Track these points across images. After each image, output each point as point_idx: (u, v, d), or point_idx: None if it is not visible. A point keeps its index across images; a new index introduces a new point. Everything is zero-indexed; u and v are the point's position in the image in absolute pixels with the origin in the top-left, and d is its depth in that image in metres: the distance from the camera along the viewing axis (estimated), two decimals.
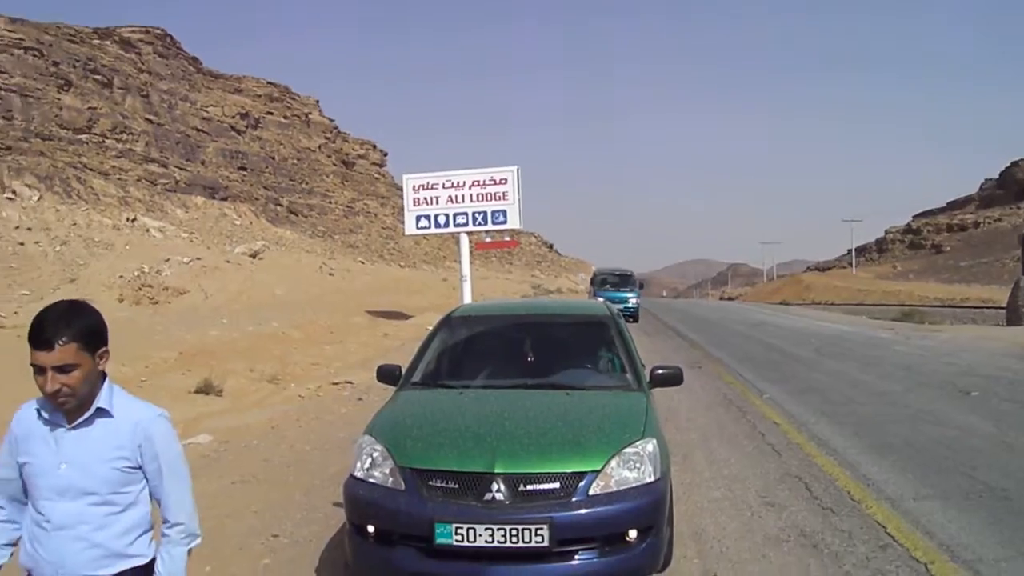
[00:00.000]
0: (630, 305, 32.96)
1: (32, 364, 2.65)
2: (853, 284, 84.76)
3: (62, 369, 2.62)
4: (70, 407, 2.70)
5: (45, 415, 2.76)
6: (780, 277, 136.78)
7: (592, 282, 37.68)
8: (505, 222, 28.39)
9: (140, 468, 2.80)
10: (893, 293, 67.91)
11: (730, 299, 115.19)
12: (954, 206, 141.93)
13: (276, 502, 7.22)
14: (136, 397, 2.89)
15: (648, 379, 6.04)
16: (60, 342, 2.60)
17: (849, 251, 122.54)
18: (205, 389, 13.86)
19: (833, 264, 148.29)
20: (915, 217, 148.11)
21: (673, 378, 6.12)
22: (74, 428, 2.73)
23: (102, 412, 2.75)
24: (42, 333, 2.62)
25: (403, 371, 6.31)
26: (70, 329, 2.62)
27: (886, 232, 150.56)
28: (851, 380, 14.64)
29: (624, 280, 35.02)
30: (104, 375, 2.79)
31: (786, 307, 57.29)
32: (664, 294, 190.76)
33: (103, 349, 2.74)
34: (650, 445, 4.81)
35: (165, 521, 2.86)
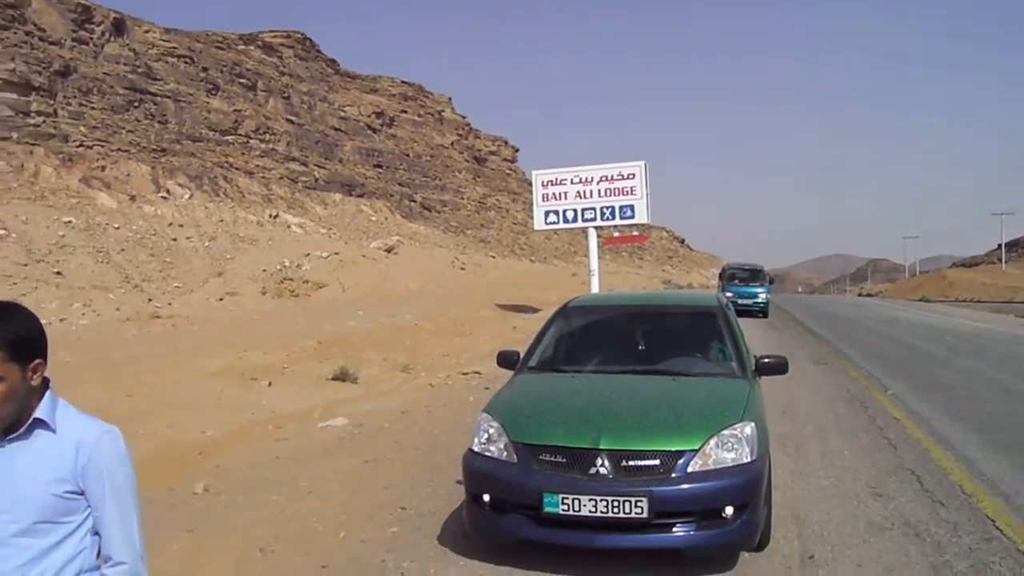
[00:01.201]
0: (759, 300, 32.40)
1: None
2: (1002, 281, 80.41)
3: None
4: None
5: None
6: (923, 273, 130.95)
7: (721, 277, 37.07)
8: (633, 217, 28.46)
9: (83, 494, 2.36)
10: None
11: (868, 295, 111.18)
12: None
13: (404, 479, 7.75)
14: (84, 414, 2.46)
15: (754, 367, 6.29)
16: None
17: (999, 246, 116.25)
18: (341, 376, 14.68)
19: (981, 260, 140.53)
20: None
21: (778, 367, 6.36)
22: (9, 443, 2.32)
23: (41, 424, 2.34)
24: None
25: (521, 357, 6.77)
26: None
27: None
28: (983, 378, 14.27)
29: (754, 275, 34.34)
30: (46, 387, 2.39)
31: (926, 304, 55.18)
32: (799, 290, 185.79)
33: (37, 361, 2.32)
34: (748, 428, 5.10)
35: (106, 559, 2.39)
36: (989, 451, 8.53)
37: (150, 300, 31.03)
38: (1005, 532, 5.98)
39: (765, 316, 31.46)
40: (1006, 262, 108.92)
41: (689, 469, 4.84)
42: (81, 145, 50.86)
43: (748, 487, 4.90)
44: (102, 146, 52.13)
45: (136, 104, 59.00)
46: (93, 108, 54.57)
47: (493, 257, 67.24)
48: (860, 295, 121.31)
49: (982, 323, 29.69)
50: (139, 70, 60.25)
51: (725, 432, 5.03)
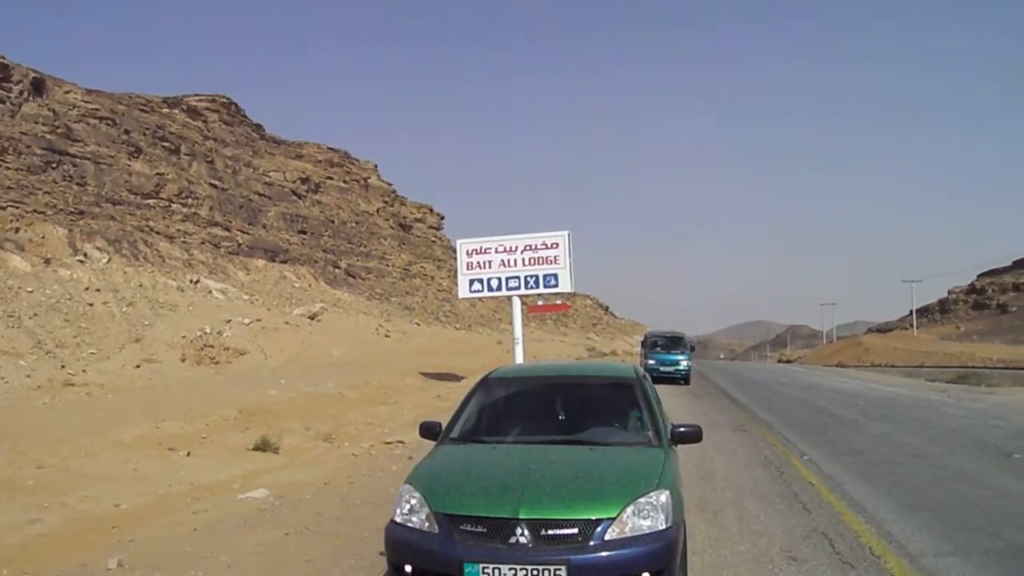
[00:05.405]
0: (681, 368, 32.96)
1: None
2: (914, 346, 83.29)
3: None
4: None
5: None
6: (840, 339, 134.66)
7: (643, 344, 37.60)
8: (557, 285, 28.77)
9: None
10: (955, 355, 66.69)
11: (788, 361, 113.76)
12: (1020, 264, 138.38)
13: (327, 551, 7.70)
14: None
15: (669, 436, 6.48)
16: None
17: (910, 312, 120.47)
18: (263, 446, 14.47)
19: (895, 325, 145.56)
20: (980, 276, 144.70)
21: (692, 436, 6.56)
22: None
23: None
24: None
25: (443, 427, 6.84)
26: None
27: (949, 292, 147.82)
28: (893, 442, 14.77)
29: (675, 342, 34.97)
30: None
31: (842, 369, 56.73)
32: (721, 356, 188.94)
33: None
34: (663, 496, 5.25)
35: None
36: (898, 513, 8.86)
37: (63, 367, 30.10)
38: None
39: (687, 383, 31.99)
40: (918, 327, 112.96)
41: (606, 537, 4.96)
42: None
43: (664, 553, 5.03)
44: (16, 207, 50.89)
45: (54, 165, 57.92)
46: (8, 168, 53.38)
47: (418, 324, 67.09)
48: (780, 361, 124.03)
49: (894, 388, 30.65)
50: (58, 131, 59.24)
51: (641, 500, 5.17)
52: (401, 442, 15.29)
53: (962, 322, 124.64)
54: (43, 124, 58.41)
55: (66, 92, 63.48)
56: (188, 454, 13.66)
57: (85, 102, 64.51)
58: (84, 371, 29.99)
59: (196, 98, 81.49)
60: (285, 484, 11.36)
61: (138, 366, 31.81)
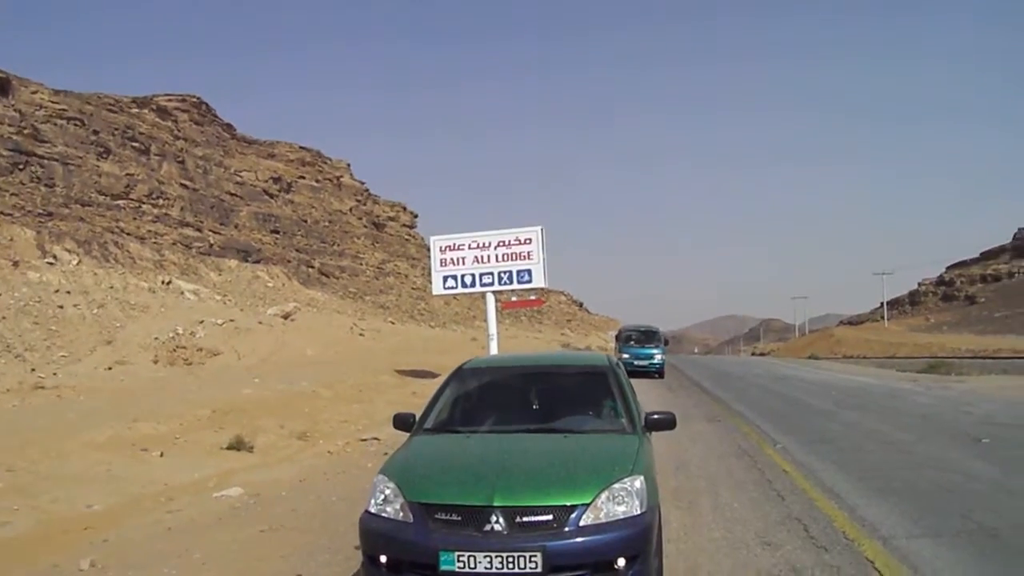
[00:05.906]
0: (655, 361, 33.05)
1: None
2: (885, 337, 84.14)
3: None
4: None
5: None
6: (813, 332, 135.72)
7: (617, 339, 37.64)
8: (530, 281, 28.65)
9: None
10: (925, 346, 67.38)
11: (762, 355, 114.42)
12: (987, 256, 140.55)
13: (302, 547, 7.68)
14: None
15: (643, 423, 6.50)
16: None
17: (881, 304, 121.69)
18: (236, 445, 14.35)
19: (866, 318, 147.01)
20: (948, 268, 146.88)
21: (667, 423, 6.59)
22: None
23: None
24: None
25: (417, 419, 6.83)
26: None
27: (919, 284, 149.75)
28: (865, 430, 14.91)
29: (649, 336, 35.05)
30: None
31: (814, 361, 57.17)
32: (696, 350, 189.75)
33: None
34: (638, 482, 5.27)
35: None
36: (870, 497, 8.95)
37: (33, 370, 29.69)
38: (882, 572, 6.32)
39: (661, 377, 32.11)
40: (888, 319, 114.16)
41: (581, 523, 4.97)
42: None
43: (639, 539, 5.05)
44: None
45: (21, 167, 57.17)
46: None
47: (392, 323, 66.78)
48: (753, 354, 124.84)
49: (865, 378, 30.96)
50: (25, 131, 58.45)
51: (615, 486, 5.18)
52: (376, 439, 15.27)
53: (932, 313, 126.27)
54: (9, 125, 57.65)
55: (33, 92, 62.68)
56: (161, 454, 13.53)
57: (52, 102, 63.73)
58: (55, 374, 29.62)
59: (166, 98, 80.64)
60: (260, 482, 11.29)
61: (110, 368, 31.45)
